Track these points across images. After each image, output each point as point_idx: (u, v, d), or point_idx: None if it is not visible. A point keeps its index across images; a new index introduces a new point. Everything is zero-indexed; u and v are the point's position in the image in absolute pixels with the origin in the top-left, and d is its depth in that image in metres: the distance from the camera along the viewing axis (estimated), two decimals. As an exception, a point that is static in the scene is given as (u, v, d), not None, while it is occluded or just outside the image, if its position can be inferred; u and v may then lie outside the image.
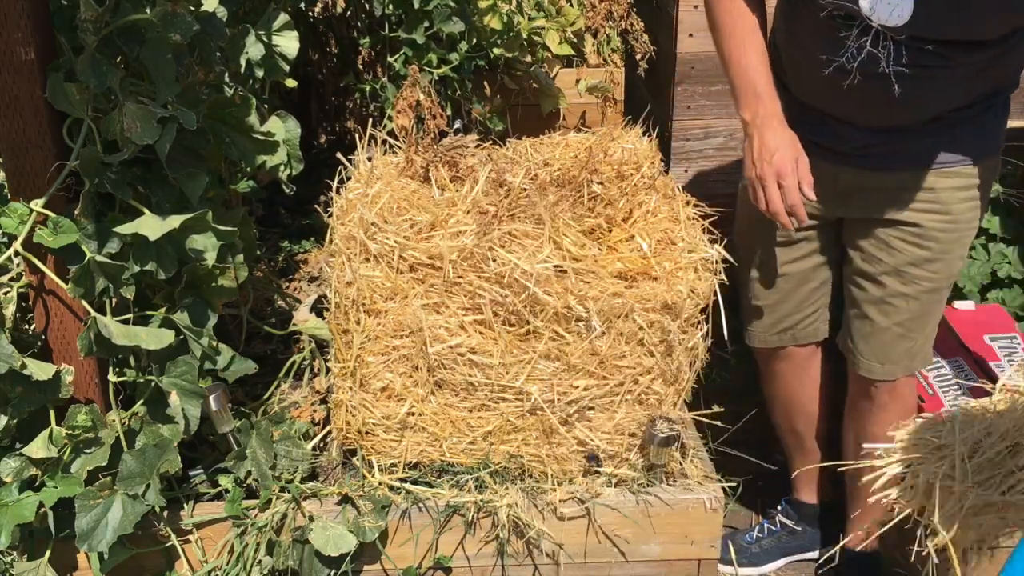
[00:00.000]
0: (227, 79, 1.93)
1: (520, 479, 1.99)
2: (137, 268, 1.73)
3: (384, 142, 2.26)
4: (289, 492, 1.95)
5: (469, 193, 1.98)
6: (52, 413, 1.79)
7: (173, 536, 1.91)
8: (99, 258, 1.70)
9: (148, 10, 1.63)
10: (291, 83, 2.42)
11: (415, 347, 1.89)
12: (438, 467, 2.00)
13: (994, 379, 2.44)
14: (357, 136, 2.22)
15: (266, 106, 2.10)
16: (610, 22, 2.93)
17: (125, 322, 1.77)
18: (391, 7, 2.66)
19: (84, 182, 1.70)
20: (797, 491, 2.61)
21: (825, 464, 2.40)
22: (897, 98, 1.92)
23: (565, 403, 1.91)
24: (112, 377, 1.83)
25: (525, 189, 1.97)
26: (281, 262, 2.82)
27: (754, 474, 2.25)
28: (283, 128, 2.03)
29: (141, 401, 1.85)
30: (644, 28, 2.91)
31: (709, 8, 2.08)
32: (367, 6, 2.71)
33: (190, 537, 1.93)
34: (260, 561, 1.91)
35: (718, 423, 2.07)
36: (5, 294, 1.83)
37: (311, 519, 1.91)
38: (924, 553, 2.01)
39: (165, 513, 1.90)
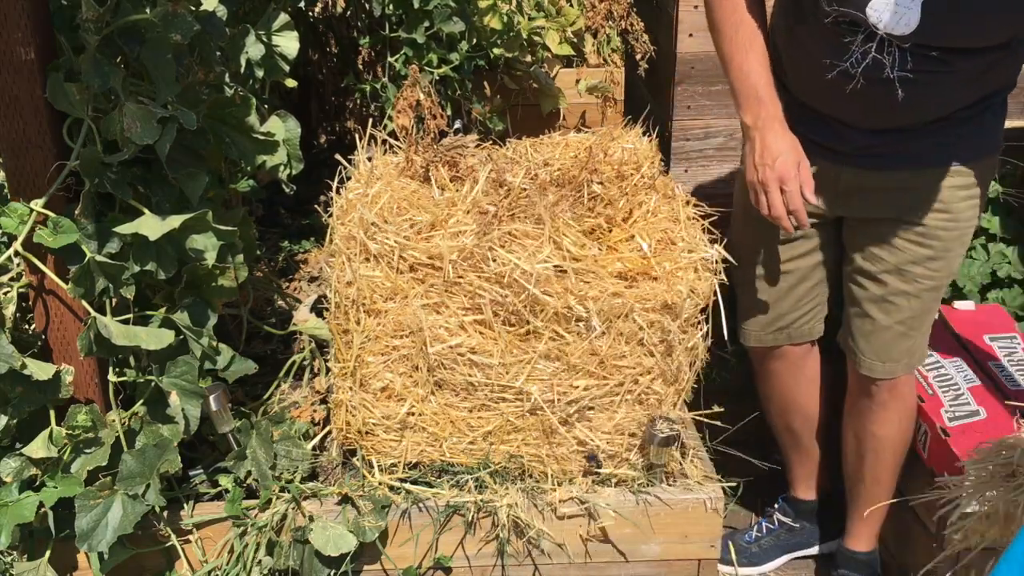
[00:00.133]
0: (227, 79, 1.93)
1: (520, 479, 1.99)
2: (137, 268, 1.73)
3: (384, 142, 2.26)
4: (289, 492, 1.95)
5: (469, 193, 1.98)
6: (52, 413, 1.79)
7: (173, 536, 1.91)
8: (99, 258, 1.70)
9: (148, 10, 1.63)
10: (291, 83, 2.42)
11: (415, 347, 1.90)
12: (438, 467, 2.00)
13: (994, 379, 2.44)
14: (357, 136, 2.22)
15: (266, 106, 2.10)
16: (610, 22, 2.93)
17: (125, 322, 1.77)
18: (391, 7, 2.66)
19: (84, 182, 1.70)
20: (794, 488, 2.61)
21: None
22: (900, 102, 1.93)
23: (565, 403, 1.91)
24: (112, 377, 1.83)
25: (525, 189, 1.97)
26: (281, 262, 2.82)
27: (754, 474, 2.25)
28: (283, 128, 2.03)
29: (141, 401, 1.85)
30: (644, 28, 2.91)
31: (710, 10, 2.08)
32: (367, 6, 2.71)
33: (190, 537, 1.93)
34: (260, 561, 1.91)
35: (718, 423, 2.07)
36: (5, 294, 1.83)
37: (311, 519, 1.91)
38: None
39: (165, 513, 1.90)
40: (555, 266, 1.83)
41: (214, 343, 1.89)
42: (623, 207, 2.01)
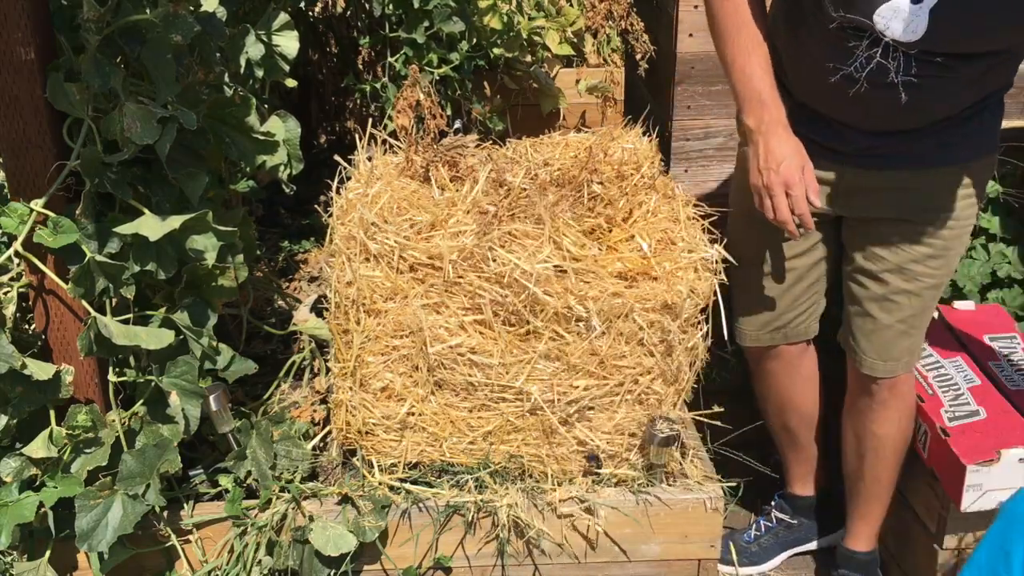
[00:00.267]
0: (227, 79, 1.93)
1: (520, 479, 1.99)
2: (137, 268, 1.73)
3: (384, 142, 2.26)
4: (289, 492, 1.95)
5: (469, 193, 1.98)
6: (52, 413, 1.79)
7: (173, 536, 1.91)
8: (99, 258, 1.70)
9: (149, 10, 1.63)
10: (291, 83, 2.42)
11: (415, 347, 1.90)
12: (438, 467, 2.00)
13: (994, 379, 2.44)
14: (357, 136, 2.22)
15: (266, 106, 2.10)
16: (610, 22, 2.92)
17: (125, 322, 1.77)
18: (391, 7, 2.66)
19: (84, 182, 1.70)
20: (791, 485, 2.62)
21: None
22: (902, 105, 1.93)
23: (565, 403, 1.91)
24: (112, 377, 1.83)
25: (525, 189, 1.97)
26: (281, 262, 2.82)
27: (754, 474, 2.25)
28: (283, 128, 2.03)
29: (141, 401, 1.85)
30: (644, 28, 2.91)
31: (711, 13, 2.07)
32: (367, 6, 2.71)
33: (190, 537, 1.93)
34: (260, 561, 1.91)
35: (718, 423, 2.07)
36: (5, 294, 1.83)
37: (311, 519, 1.91)
38: None
39: (165, 513, 1.90)
40: (555, 266, 1.83)
41: (214, 343, 1.89)
42: (623, 207, 2.01)
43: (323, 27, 2.96)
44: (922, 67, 1.89)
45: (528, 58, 2.82)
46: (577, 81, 2.88)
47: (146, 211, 1.73)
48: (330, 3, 2.76)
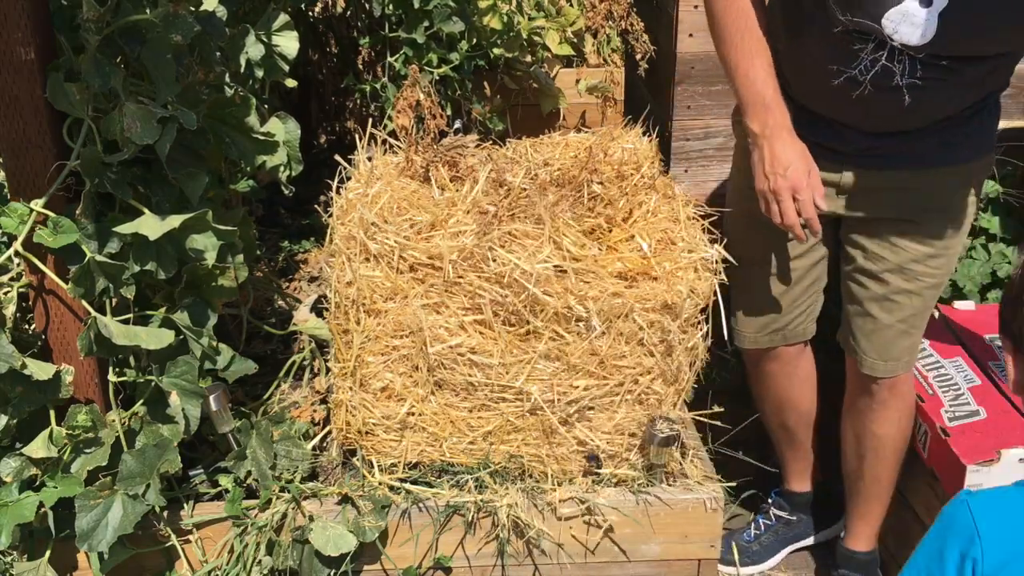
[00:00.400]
0: (227, 79, 1.92)
1: (520, 479, 1.99)
2: (137, 268, 1.73)
3: (384, 142, 2.26)
4: (289, 492, 1.95)
5: (469, 193, 1.98)
6: (52, 413, 1.79)
7: (173, 536, 1.91)
8: (99, 258, 1.70)
9: (149, 10, 1.63)
10: (291, 83, 2.42)
11: (415, 347, 1.90)
12: (438, 467, 2.00)
13: (994, 379, 2.44)
14: (357, 136, 2.22)
15: (266, 106, 2.10)
16: (610, 22, 2.92)
17: (125, 322, 1.77)
18: (391, 7, 2.66)
19: (84, 182, 1.70)
20: (788, 482, 2.62)
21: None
22: (905, 106, 1.93)
23: (565, 403, 1.91)
24: (112, 377, 1.83)
25: (525, 189, 1.97)
26: (281, 262, 2.82)
27: (754, 474, 2.26)
28: (283, 129, 2.03)
29: (141, 401, 1.85)
30: (644, 28, 2.91)
31: (713, 17, 2.05)
32: (367, 6, 2.71)
33: (190, 537, 1.93)
34: (260, 561, 1.91)
35: (718, 423, 2.07)
36: (5, 294, 1.83)
37: (311, 519, 1.91)
38: None
39: (165, 513, 1.90)
40: (555, 266, 1.83)
41: (214, 343, 1.89)
42: (623, 207, 2.00)
43: (323, 27, 2.96)
44: (927, 70, 1.89)
45: (528, 58, 2.82)
46: (577, 81, 2.88)
47: (146, 211, 1.73)
48: (330, 3, 2.76)
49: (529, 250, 1.84)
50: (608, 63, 2.91)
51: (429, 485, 1.99)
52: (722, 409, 2.07)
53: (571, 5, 2.90)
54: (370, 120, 2.39)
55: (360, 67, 2.78)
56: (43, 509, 1.77)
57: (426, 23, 2.58)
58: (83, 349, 1.70)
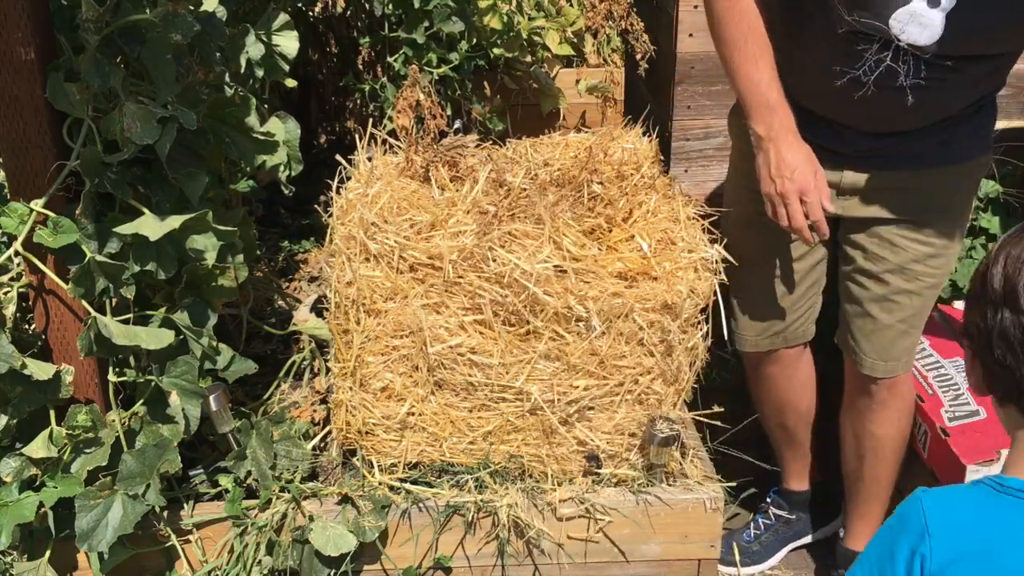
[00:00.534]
0: (227, 79, 1.93)
1: (520, 479, 1.99)
2: (137, 268, 1.73)
3: (384, 142, 2.26)
4: (289, 492, 1.95)
5: (469, 193, 1.98)
6: (52, 413, 1.79)
7: (173, 536, 1.91)
8: (99, 258, 1.70)
9: (148, 10, 1.63)
10: (291, 83, 2.42)
11: (415, 347, 1.89)
12: (438, 467, 2.00)
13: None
14: (357, 136, 2.22)
15: (266, 106, 2.10)
16: (610, 22, 2.92)
17: (125, 322, 1.77)
18: (391, 7, 2.66)
19: (84, 182, 1.70)
20: (787, 481, 2.62)
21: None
22: (908, 107, 1.93)
23: (565, 403, 1.91)
24: (112, 377, 1.83)
25: (525, 189, 1.97)
26: (281, 262, 2.82)
27: (753, 474, 2.25)
28: (283, 129, 2.03)
29: (141, 401, 1.85)
30: (644, 28, 2.91)
31: (715, 20, 2.03)
32: (367, 6, 2.71)
33: (190, 537, 1.93)
34: (260, 561, 1.91)
35: (718, 423, 2.07)
36: (5, 294, 1.83)
37: (311, 519, 1.91)
38: None
39: (165, 513, 1.90)
40: (555, 266, 1.83)
41: (214, 343, 1.89)
42: (623, 207, 2.00)
43: (323, 27, 2.96)
44: (932, 70, 1.88)
45: (528, 58, 2.82)
46: (577, 81, 2.88)
47: (146, 211, 1.73)
48: (330, 3, 2.76)
49: (529, 250, 1.84)
50: (608, 63, 2.90)
51: (429, 485, 1.99)
52: (722, 409, 2.07)
53: (571, 5, 2.90)
54: (370, 120, 2.39)
55: (360, 67, 2.78)
56: (43, 509, 1.77)
57: (426, 23, 2.58)
58: (83, 349, 1.70)
